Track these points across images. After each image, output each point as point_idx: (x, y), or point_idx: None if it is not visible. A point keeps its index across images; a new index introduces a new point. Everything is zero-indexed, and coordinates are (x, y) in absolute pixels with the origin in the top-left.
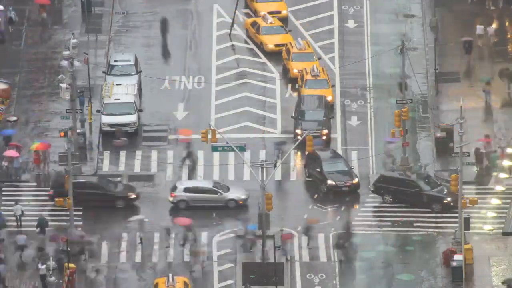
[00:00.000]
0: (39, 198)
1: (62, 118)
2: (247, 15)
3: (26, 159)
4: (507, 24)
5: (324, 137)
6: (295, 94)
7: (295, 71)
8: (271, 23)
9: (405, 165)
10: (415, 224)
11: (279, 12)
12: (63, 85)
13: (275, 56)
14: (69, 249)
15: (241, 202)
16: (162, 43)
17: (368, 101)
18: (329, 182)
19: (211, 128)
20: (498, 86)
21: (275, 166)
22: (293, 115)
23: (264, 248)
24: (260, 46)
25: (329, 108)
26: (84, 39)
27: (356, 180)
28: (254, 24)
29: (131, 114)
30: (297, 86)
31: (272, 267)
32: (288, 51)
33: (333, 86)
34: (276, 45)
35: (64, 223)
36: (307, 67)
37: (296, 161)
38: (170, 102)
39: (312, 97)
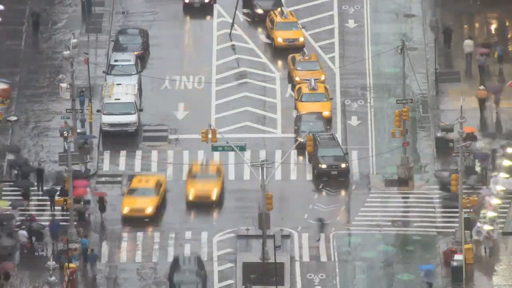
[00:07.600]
0: (39, 198)
1: (62, 118)
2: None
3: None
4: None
5: None
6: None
7: (297, 78)
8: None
9: (405, 165)
10: (415, 224)
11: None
12: (63, 85)
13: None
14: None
15: None
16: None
17: (368, 101)
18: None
19: (211, 128)
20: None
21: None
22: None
23: (264, 248)
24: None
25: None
26: (84, 39)
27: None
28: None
29: (131, 114)
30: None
31: (272, 267)
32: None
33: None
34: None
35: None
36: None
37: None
38: (170, 102)
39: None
